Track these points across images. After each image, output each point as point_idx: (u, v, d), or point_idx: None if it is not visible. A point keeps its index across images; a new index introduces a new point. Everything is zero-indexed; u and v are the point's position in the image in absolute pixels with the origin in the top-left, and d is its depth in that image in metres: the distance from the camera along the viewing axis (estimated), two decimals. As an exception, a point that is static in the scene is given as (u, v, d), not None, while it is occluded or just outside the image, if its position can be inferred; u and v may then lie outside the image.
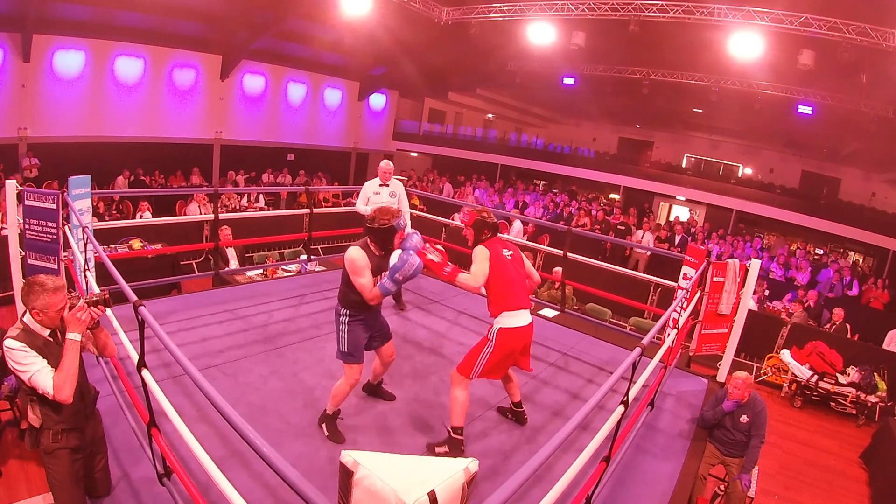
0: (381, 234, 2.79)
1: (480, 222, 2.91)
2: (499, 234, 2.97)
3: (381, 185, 4.76)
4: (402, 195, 4.88)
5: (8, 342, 2.01)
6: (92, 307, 2.12)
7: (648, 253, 9.97)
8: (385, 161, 4.85)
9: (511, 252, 2.95)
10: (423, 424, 3.16)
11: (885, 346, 6.75)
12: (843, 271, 9.94)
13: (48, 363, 2.04)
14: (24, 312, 2.12)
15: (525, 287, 2.95)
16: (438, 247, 2.89)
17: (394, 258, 2.70)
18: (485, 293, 2.92)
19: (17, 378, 2.08)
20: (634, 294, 6.64)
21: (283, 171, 14.45)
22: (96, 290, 3.07)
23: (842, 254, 13.31)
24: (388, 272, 2.71)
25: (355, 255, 2.74)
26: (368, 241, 2.83)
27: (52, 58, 10.18)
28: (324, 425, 2.91)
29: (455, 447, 2.81)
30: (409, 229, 4.62)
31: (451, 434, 2.84)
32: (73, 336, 2.06)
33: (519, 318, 2.82)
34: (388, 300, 4.95)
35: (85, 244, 3.51)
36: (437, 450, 2.84)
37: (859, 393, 5.77)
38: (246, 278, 5.68)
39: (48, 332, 2.11)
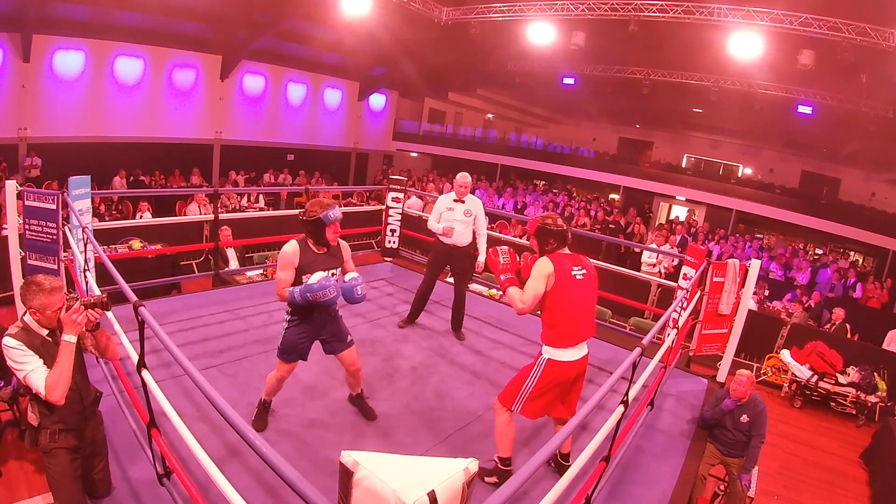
0: (309, 226, 2.69)
1: (542, 231, 2.52)
2: (568, 247, 2.54)
3: (455, 201, 4.26)
4: (480, 214, 4.30)
5: (6, 340, 2.01)
6: (89, 309, 2.11)
7: (659, 269, 8.08)
8: (462, 174, 4.31)
9: (584, 271, 2.53)
10: (423, 425, 3.16)
11: (885, 346, 6.75)
12: (847, 272, 9.93)
13: (45, 363, 2.04)
14: (25, 311, 2.12)
15: (592, 316, 2.58)
16: (508, 249, 2.63)
17: (314, 278, 2.62)
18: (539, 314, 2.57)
19: (16, 378, 2.08)
20: (634, 294, 6.64)
21: (283, 171, 14.46)
22: (96, 290, 3.07)
23: (842, 254, 13.31)
24: (303, 286, 2.60)
25: (286, 248, 2.70)
26: (305, 235, 2.75)
27: (52, 58, 10.19)
28: (255, 409, 2.98)
29: (504, 478, 2.58)
30: (482, 256, 4.34)
31: (499, 465, 2.66)
32: (69, 338, 2.05)
33: (574, 353, 2.50)
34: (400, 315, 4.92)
35: (85, 244, 3.51)
36: (486, 479, 2.63)
37: (859, 393, 5.77)
38: (246, 278, 5.67)
39: (46, 331, 2.11)
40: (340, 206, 2.83)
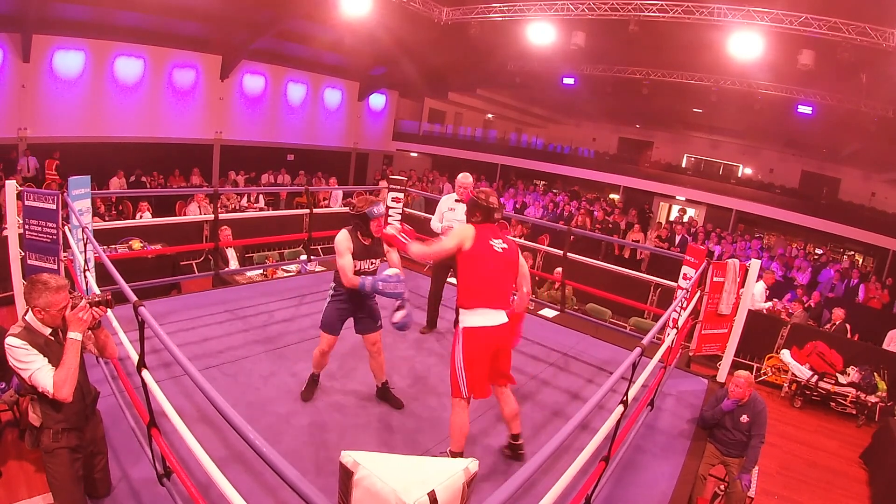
0: (356, 219, 3.00)
1: (472, 203, 2.71)
2: (495, 222, 2.69)
3: (457, 201, 4.25)
4: None
5: (10, 340, 2.01)
6: (94, 307, 2.13)
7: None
8: (463, 174, 4.28)
9: (505, 246, 2.67)
10: (423, 425, 3.16)
11: (885, 346, 6.75)
12: (850, 273, 9.93)
13: (49, 362, 2.05)
14: (27, 311, 2.12)
15: (507, 288, 2.67)
16: (408, 227, 3.01)
17: (390, 272, 2.94)
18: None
19: (18, 377, 2.07)
20: (634, 294, 6.63)
21: (282, 171, 14.46)
22: (96, 290, 3.08)
23: (841, 254, 13.28)
24: (376, 276, 2.95)
25: (339, 237, 3.01)
26: (354, 226, 3.04)
27: (52, 58, 10.18)
28: (306, 382, 3.28)
29: None
30: None
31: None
32: (74, 335, 2.07)
33: (488, 318, 2.56)
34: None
35: (85, 244, 3.51)
36: None
37: (859, 393, 5.77)
38: (246, 278, 5.68)
39: (49, 331, 2.12)
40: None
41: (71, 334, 2.07)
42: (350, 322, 3.19)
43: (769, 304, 7.34)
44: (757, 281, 7.20)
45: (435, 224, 4.33)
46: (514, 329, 2.77)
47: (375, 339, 3.17)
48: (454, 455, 2.71)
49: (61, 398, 2.01)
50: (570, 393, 3.83)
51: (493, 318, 2.58)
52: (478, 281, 2.59)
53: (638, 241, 10.79)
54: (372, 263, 3.10)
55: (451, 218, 4.25)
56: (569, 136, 19.44)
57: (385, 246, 3.13)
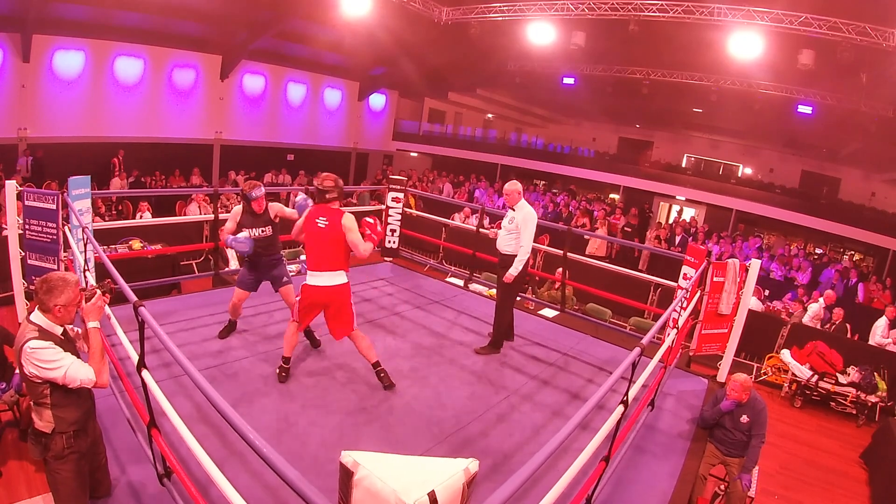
0: (244, 198, 3.77)
1: (315, 188, 3.41)
2: (326, 202, 3.31)
3: (503, 207, 4.31)
4: (524, 227, 4.07)
5: (32, 343, 1.98)
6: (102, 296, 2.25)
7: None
8: (511, 182, 4.24)
9: (328, 222, 3.27)
10: (423, 425, 3.16)
11: (870, 341, 6.75)
12: (849, 273, 9.91)
13: None
14: (30, 313, 2.10)
15: (327, 254, 3.28)
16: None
17: (241, 234, 3.70)
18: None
19: (38, 381, 2.01)
20: (634, 294, 6.62)
21: (282, 171, 14.46)
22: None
23: (841, 254, 13.25)
24: (234, 236, 3.68)
25: (234, 209, 3.82)
26: (245, 204, 3.81)
27: (52, 58, 10.17)
28: (224, 325, 4.03)
29: (283, 372, 3.44)
30: (512, 269, 4.11)
31: (282, 364, 3.46)
32: (94, 324, 2.16)
33: (313, 279, 3.29)
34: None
35: (85, 244, 3.52)
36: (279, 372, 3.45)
37: (859, 393, 5.77)
38: (246, 278, 5.67)
39: (61, 330, 2.12)
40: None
41: (91, 324, 2.16)
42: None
43: (889, 340, 6.79)
44: (880, 318, 7.03)
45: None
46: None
47: (287, 296, 3.93)
48: (284, 360, 3.43)
49: (101, 384, 2.12)
50: (570, 393, 3.83)
51: (316, 279, 3.29)
52: (307, 250, 3.34)
53: (584, 227, 10.95)
54: (262, 231, 3.79)
55: (503, 223, 4.34)
56: (569, 135, 19.44)
57: (273, 217, 3.86)
